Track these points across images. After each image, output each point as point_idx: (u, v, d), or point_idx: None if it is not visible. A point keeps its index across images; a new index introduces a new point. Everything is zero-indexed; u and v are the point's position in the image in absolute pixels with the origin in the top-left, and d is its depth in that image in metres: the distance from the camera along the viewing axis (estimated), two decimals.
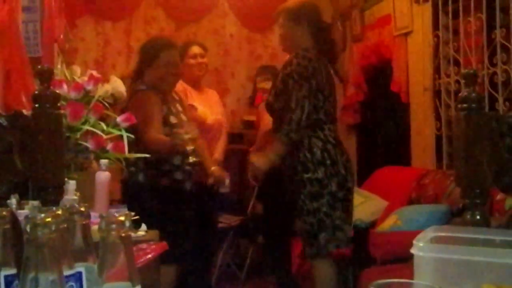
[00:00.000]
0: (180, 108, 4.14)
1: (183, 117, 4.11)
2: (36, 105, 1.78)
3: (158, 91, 4.00)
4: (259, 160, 3.83)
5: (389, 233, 4.10)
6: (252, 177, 3.98)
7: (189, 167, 4.02)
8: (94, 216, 2.33)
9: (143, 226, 2.90)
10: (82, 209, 1.17)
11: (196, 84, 4.85)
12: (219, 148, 4.88)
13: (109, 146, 2.85)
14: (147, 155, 3.51)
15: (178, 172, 3.98)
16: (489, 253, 1.34)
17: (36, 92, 1.82)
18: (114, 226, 0.97)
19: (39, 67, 1.89)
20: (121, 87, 3.71)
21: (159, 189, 3.93)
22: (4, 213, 1.10)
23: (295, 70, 3.71)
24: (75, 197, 2.54)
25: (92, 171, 2.85)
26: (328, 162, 3.74)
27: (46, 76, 1.83)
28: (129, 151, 3.66)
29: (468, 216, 1.79)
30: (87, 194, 2.66)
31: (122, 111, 3.68)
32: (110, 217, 0.98)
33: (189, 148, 3.95)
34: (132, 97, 3.87)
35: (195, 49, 4.84)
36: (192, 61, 4.77)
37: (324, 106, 3.79)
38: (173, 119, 3.99)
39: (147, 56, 4.05)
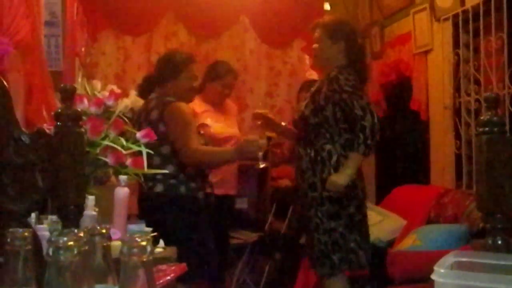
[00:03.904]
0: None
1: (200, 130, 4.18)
2: (58, 123, 1.79)
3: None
4: (339, 178, 3.72)
5: (407, 252, 4.07)
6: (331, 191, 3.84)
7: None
8: (113, 232, 2.34)
9: (161, 243, 2.91)
10: (103, 231, 1.17)
11: (217, 102, 4.93)
12: None
13: (128, 161, 2.85)
14: (165, 171, 3.54)
15: (208, 185, 4.06)
16: (510, 280, 1.33)
17: (59, 110, 1.83)
18: (135, 250, 0.97)
19: (62, 85, 1.90)
20: (140, 102, 3.73)
21: (197, 202, 3.93)
22: (25, 234, 1.10)
23: (346, 84, 3.70)
24: (94, 213, 2.56)
25: (111, 186, 2.86)
26: (350, 183, 3.72)
27: (68, 94, 1.84)
28: (165, 164, 3.73)
29: (490, 241, 1.78)
30: (105, 209, 2.67)
31: (152, 123, 3.72)
32: (131, 242, 0.98)
33: (260, 154, 3.84)
34: (165, 109, 3.86)
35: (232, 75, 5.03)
36: (227, 83, 4.98)
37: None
38: (201, 130, 4.08)
39: (174, 68, 4.01)
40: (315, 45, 4.01)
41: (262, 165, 3.89)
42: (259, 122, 4.22)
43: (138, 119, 3.85)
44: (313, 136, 3.80)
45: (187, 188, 3.85)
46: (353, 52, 3.90)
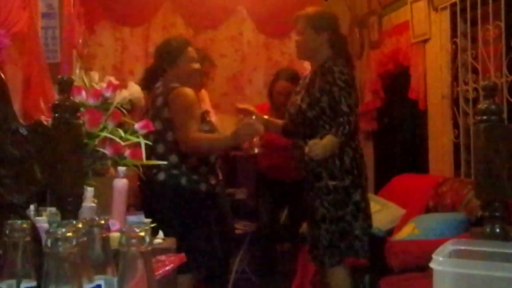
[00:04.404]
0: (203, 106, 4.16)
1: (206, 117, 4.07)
2: (56, 115, 1.79)
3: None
4: (319, 148, 3.64)
5: (406, 241, 4.08)
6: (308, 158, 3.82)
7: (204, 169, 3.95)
8: (112, 223, 2.35)
9: (160, 234, 2.91)
10: (102, 222, 1.17)
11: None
12: None
13: (127, 153, 2.85)
14: (164, 162, 3.53)
15: (213, 176, 3.98)
16: (509, 268, 1.33)
17: (56, 102, 1.83)
18: (134, 241, 0.98)
19: (59, 77, 1.90)
20: (138, 93, 3.72)
21: (199, 194, 3.88)
22: (24, 225, 1.10)
23: (339, 77, 3.71)
24: (93, 204, 2.56)
25: (110, 177, 2.86)
26: (356, 172, 3.75)
27: (66, 86, 1.84)
28: (168, 153, 3.73)
29: (488, 229, 1.78)
30: (104, 200, 2.68)
31: (158, 109, 3.77)
32: (130, 232, 0.98)
33: (256, 139, 3.80)
34: (170, 94, 3.84)
35: (208, 63, 4.97)
36: (203, 71, 4.88)
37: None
38: (207, 116, 3.98)
39: (170, 54, 4.00)
40: (298, 37, 4.01)
41: (256, 151, 3.84)
42: (241, 116, 4.24)
43: (146, 107, 3.86)
44: (312, 129, 3.80)
45: (188, 180, 3.83)
46: (337, 42, 3.91)
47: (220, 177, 4.17)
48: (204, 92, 5.20)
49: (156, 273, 1.78)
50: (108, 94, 2.97)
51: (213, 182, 3.96)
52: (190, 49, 4.06)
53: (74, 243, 0.98)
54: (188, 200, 3.83)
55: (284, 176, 5.14)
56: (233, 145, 3.90)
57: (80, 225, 1.10)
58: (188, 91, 3.85)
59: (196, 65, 4.06)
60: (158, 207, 3.77)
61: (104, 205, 2.65)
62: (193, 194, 3.85)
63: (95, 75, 3.27)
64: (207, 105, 5.11)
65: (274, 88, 5.35)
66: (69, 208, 1.76)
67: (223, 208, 4.27)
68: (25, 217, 1.59)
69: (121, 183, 2.75)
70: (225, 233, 4.51)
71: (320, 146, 3.64)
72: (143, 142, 2.89)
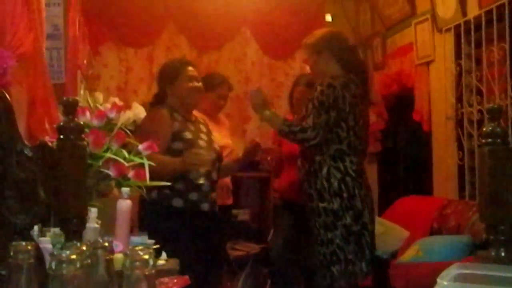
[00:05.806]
0: (204, 129, 4.07)
1: (204, 137, 4.00)
2: (61, 136, 1.79)
3: (182, 108, 3.96)
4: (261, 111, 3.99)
5: (410, 264, 4.06)
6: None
7: (206, 186, 3.87)
8: (115, 244, 2.34)
9: (163, 255, 2.90)
10: (106, 244, 1.17)
11: (212, 113, 4.89)
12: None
13: (131, 173, 2.85)
14: (168, 183, 3.46)
15: (194, 192, 3.84)
16: None
17: (61, 123, 1.83)
18: (138, 264, 0.97)
19: (64, 98, 1.90)
20: (142, 114, 3.73)
21: (171, 210, 3.81)
22: (28, 247, 1.10)
23: (316, 97, 3.74)
24: (97, 225, 2.55)
25: (113, 198, 2.86)
26: (345, 194, 3.73)
27: (71, 107, 1.84)
28: None
29: (493, 253, 1.77)
30: (108, 221, 2.67)
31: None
32: (134, 255, 0.98)
33: (204, 169, 3.76)
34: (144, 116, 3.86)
35: (226, 86, 4.95)
36: (222, 93, 4.92)
37: (348, 137, 3.79)
38: (188, 135, 3.88)
39: (168, 75, 4.01)
40: (308, 66, 4.11)
41: (200, 181, 3.77)
42: None
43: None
44: (304, 149, 3.86)
45: (159, 194, 3.73)
46: (342, 58, 3.93)
47: (212, 198, 4.01)
48: (222, 117, 5.20)
49: None
50: (112, 115, 2.97)
51: (194, 199, 3.84)
52: (189, 68, 4.04)
53: (78, 265, 0.98)
54: (158, 215, 3.79)
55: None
56: (180, 170, 3.72)
57: (84, 247, 1.09)
58: (155, 113, 3.84)
59: (196, 84, 4.01)
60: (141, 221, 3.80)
61: (108, 226, 2.65)
62: (164, 209, 3.80)
63: (100, 96, 3.27)
64: (226, 128, 5.10)
65: (293, 95, 5.26)
66: (73, 229, 1.76)
67: (213, 229, 4.05)
68: (29, 238, 1.59)
69: (124, 204, 2.74)
70: (212, 255, 4.26)
71: (266, 113, 3.96)
72: (146, 163, 2.89)
